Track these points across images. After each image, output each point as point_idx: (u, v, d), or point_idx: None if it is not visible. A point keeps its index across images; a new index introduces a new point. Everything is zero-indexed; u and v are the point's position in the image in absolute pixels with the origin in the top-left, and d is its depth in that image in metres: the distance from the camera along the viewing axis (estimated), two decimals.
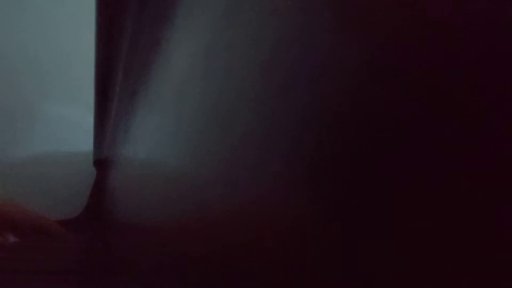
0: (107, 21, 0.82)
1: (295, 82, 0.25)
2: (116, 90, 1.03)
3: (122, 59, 0.89)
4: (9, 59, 1.52)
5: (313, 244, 0.22)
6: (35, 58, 1.54)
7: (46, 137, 1.60)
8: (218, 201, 0.35)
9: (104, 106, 1.14)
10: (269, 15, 0.30)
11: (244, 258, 0.29)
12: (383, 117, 0.18)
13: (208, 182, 0.38)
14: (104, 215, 1.22)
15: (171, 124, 0.55)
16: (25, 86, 1.56)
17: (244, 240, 0.30)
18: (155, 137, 0.64)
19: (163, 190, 0.55)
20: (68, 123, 1.57)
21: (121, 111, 1.02)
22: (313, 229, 0.22)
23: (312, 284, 0.22)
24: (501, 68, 0.14)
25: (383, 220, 0.18)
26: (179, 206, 0.47)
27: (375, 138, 0.19)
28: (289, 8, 0.27)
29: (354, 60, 0.21)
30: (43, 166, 1.57)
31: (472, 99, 0.15)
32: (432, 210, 0.16)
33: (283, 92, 0.26)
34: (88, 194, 1.40)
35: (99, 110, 1.18)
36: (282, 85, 0.26)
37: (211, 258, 0.35)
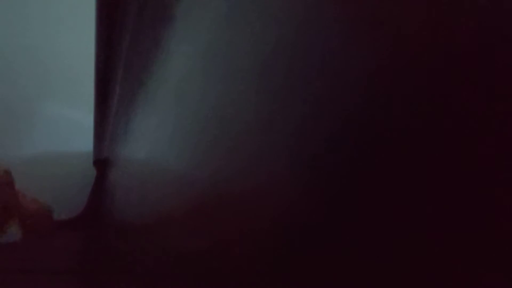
0: (107, 21, 0.82)
1: (294, 82, 0.25)
2: (116, 90, 1.03)
3: (122, 59, 0.89)
4: (10, 59, 1.52)
5: (312, 242, 0.22)
6: (36, 58, 1.54)
7: (46, 137, 1.60)
8: (217, 200, 0.35)
9: (104, 106, 1.14)
10: (270, 16, 0.29)
11: (243, 256, 0.29)
12: (384, 118, 0.18)
13: (207, 181, 0.38)
14: (104, 215, 1.21)
15: (171, 124, 0.55)
16: (25, 86, 1.56)
17: (244, 238, 0.30)
18: (155, 137, 0.64)
19: (163, 189, 0.55)
20: (68, 123, 1.57)
21: (121, 111, 1.02)
22: (312, 229, 0.22)
23: (311, 276, 0.22)
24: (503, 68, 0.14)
25: (382, 220, 0.18)
26: (179, 206, 0.47)
27: (376, 139, 0.19)
28: (289, 8, 0.27)
29: (354, 60, 0.21)
30: (43, 166, 1.57)
31: (473, 100, 0.15)
32: (431, 209, 0.16)
33: (282, 92, 0.26)
34: (88, 194, 1.40)
35: (99, 110, 1.18)
36: (282, 85, 0.26)
37: (211, 257, 0.35)
